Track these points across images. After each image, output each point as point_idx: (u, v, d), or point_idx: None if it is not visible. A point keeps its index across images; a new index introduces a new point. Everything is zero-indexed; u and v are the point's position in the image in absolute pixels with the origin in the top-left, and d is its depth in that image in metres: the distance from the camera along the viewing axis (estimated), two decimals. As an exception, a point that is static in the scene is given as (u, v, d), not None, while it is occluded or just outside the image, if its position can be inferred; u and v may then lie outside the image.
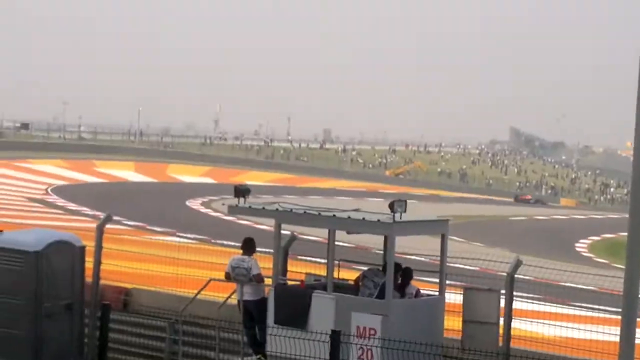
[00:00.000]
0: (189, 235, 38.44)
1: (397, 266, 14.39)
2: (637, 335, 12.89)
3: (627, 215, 13.21)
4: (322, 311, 14.07)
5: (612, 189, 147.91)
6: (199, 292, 16.01)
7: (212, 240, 37.25)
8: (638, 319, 12.95)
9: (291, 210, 14.85)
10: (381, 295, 13.97)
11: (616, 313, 13.47)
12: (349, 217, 14.40)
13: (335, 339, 11.25)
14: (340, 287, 14.76)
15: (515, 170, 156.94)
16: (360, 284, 14.52)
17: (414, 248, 17.24)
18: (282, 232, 15.26)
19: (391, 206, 13.86)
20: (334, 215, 14.44)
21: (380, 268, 14.54)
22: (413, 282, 14.82)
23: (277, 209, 14.97)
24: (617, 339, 12.89)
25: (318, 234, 15.72)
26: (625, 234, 13.20)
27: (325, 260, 14.54)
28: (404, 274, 14.69)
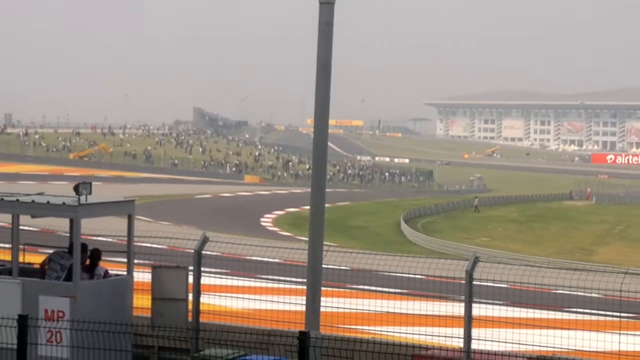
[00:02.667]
0: None
1: (84, 247, 14.22)
2: (321, 303, 13.47)
3: (309, 190, 13.76)
4: (8, 296, 13.69)
5: (291, 164, 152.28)
6: None
7: None
8: (322, 288, 13.54)
9: (-28, 196, 14.29)
10: (69, 277, 13.77)
11: (302, 283, 14.00)
12: (33, 201, 14.07)
13: (23, 323, 10.97)
14: (27, 271, 14.41)
15: (200, 149, 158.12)
16: (47, 267, 14.23)
17: (101, 229, 17.09)
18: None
19: (76, 189, 13.71)
20: (18, 200, 14.08)
21: (67, 250, 14.32)
22: (102, 263, 14.69)
23: (-44, 195, 14.35)
24: (303, 307, 13.42)
25: (2, 219, 15.24)
26: (308, 207, 13.76)
27: (10, 245, 14.13)
28: (92, 256, 14.53)
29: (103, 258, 14.82)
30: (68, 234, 14.66)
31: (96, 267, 14.49)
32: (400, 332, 13.94)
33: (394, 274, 15.72)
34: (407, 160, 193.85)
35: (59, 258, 14.25)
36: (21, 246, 14.52)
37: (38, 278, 14.14)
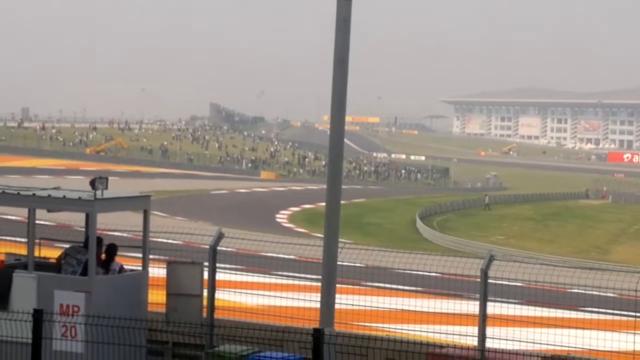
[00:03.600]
0: None
1: (99, 242, 14.25)
2: (335, 301, 13.48)
3: (324, 187, 13.76)
4: (24, 290, 13.73)
5: (307, 160, 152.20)
6: None
7: None
8: (337, 285, 13.54)
9: (-12, 190, 14.34)
10: (85, 272, 13.81)
11: (316, 280, 14.01)
12: (49, 196, 14.10)
13: (38, 318, 11.01)
14: (43, 265, 14.45)
15: (217, 145, 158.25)
16: (63, 262, 14.27)
17: (116, 224, 17.12)
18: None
19: (92, 183, 13.74)
20: (34, 194, 14.10)
21: (83, 245, 14.35)
22: (117, 259, 14.72)
23: (-27, 189, 14.39)
24: (318, 304, 13.43)
25: (18, 214, 15.30)
26: (324, 204, 13.76)
27: (26, 240, 14.18)
28: (108, 251, 14.56)
29: (118, 253, 14.85)
30: (84, 229, 14.70)
31: (112, 262, 14.53)
32: (414, 330, 13.93)
33: (409, 271, 15.70)
34: (423, 158, 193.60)
35: (75, 253, 14.28)
36: (37, 240, 14.55)
37: (54, 273, 14.18)
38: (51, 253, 15.38)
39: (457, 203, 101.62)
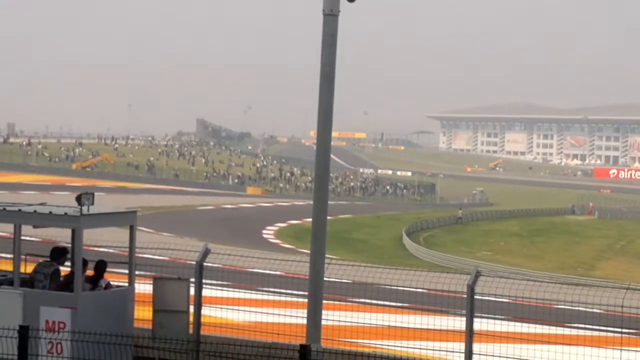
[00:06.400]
0: None
1: (63, 252, 14.38)
2: (322, 317, 13.46)
3: (311, 202, 13.75)
4: (10, 307, 13.67)
5: (293, 176, 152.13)
6: None
7: None
8: (323, 301, 13.52)
9: (-26, 205, 14.30)
10: (52, 284, 13.87)
11: (303, 296, 13.99)
12: (35, 212, 14.07)
13: (24, 334, 10.96)
14: (28, 281, 14.41)
15: (203, 160, 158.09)
16: (34, 279, 14.29)
17: (102, 240, 17.09)
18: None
19: (78, 199, 13.71)
20: (20, 210, 14.08)
21: (49, 257, 14.38)
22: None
23: (-42, 204, 14.36)
24: (304, 320, 13.40)
25: (4, 229, 15.25)
26: (310, 219, 13.75)
27: (12, 256, 14.13)
28: (97, 267, 14.53)
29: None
30: (70, 245, 14.67)
31: (100, 279, 14.50)
32: (401, 346, 13.92)
33: (396, 287, 15.71)
34: (409, 173, 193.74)
35: (41, 268, 14.34)
36: (23, 256, 14.52)
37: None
38: (37, 269, 15.31)
39: (444, 219, 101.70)
